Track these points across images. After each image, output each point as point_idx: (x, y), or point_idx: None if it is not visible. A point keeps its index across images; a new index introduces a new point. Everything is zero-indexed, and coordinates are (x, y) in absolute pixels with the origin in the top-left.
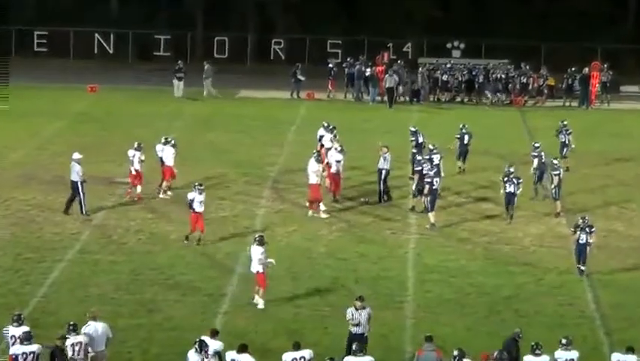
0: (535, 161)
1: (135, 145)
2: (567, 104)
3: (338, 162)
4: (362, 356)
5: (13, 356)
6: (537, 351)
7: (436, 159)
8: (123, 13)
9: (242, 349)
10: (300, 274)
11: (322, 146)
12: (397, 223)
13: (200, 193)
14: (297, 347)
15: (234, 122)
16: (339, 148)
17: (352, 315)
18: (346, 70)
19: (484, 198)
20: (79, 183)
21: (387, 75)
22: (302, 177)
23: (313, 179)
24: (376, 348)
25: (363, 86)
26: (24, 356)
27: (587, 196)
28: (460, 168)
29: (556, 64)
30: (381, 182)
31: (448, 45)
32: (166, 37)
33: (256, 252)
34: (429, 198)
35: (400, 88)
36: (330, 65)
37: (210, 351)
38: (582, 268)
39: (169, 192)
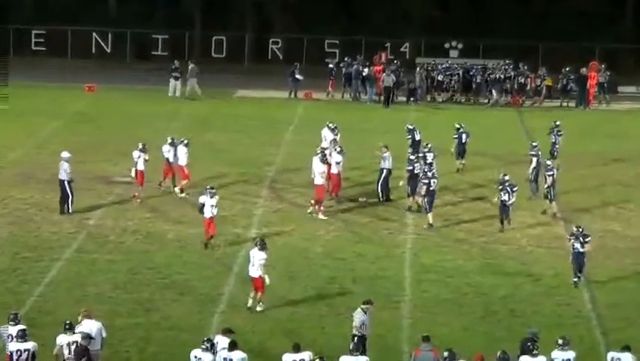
0: (534, 160)
1: (140, 146)
2: (564, 104)
3: (337, 163)
4: (358, 355)
5: (9, 354)
6: (534, 351)
7: (429, 157)
8: (121, 12)
9: (232, 346)
10: (298, 274)
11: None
12: (395, 223)
13: (212, 197)
14: (296, 348)
15: (232, 121)
16: (338, 149)
17: (361, 319)
18: (344, 70)
19: (481, 198)
20: (65, 182)
21: (384, 75)
22: (300, 177)
23: (319, 180)
24: (373, 348)
25: (360, 85)
26: (18, 353)
27: (584, 196)
28: (459, 167)
29: (554, 64)
30: (381, 182)
31: (446, 45)
32: (164, 36)
33: (258, 256)
34: (427, 200)
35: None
36: (331, 66)
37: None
38: (575, 279)
39: (184, 194)
